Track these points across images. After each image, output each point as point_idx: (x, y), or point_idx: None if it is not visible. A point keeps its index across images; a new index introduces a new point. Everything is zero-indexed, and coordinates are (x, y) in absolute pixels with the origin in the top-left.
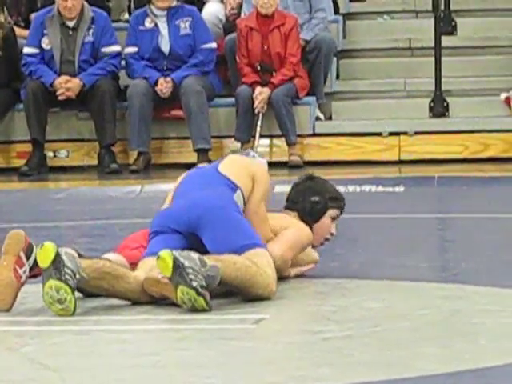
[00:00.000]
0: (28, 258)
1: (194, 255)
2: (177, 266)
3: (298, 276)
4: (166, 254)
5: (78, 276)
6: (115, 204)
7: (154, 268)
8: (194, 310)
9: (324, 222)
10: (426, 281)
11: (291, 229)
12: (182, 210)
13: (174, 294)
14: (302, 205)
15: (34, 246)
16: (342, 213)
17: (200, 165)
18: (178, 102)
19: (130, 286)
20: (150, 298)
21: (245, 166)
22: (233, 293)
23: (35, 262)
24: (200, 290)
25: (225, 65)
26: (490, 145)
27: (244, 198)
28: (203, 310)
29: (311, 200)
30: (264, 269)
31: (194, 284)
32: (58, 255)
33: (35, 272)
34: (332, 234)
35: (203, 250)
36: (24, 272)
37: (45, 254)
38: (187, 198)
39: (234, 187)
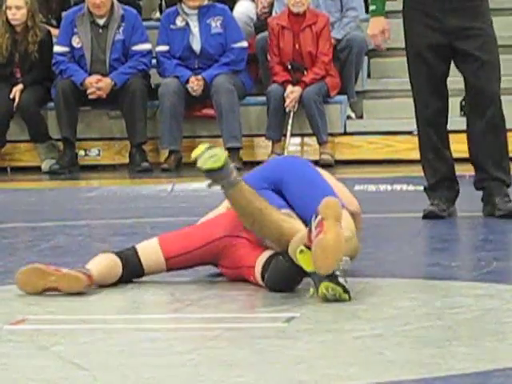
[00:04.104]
0: None
1: None
2: None
3: None
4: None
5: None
6: (146, 202)
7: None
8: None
9: None
10: (458, 280)
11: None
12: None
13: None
14: None
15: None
16: None
17: None
18: (209, 100)
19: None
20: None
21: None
22: (264, 291)
23: None
24: (346, 286)
25: (256, 63)
26: None
27: None
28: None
29: None
30: (352, 232)
31: (341, 280)
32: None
33: None
34: None
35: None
36: None
37: (307, 260)
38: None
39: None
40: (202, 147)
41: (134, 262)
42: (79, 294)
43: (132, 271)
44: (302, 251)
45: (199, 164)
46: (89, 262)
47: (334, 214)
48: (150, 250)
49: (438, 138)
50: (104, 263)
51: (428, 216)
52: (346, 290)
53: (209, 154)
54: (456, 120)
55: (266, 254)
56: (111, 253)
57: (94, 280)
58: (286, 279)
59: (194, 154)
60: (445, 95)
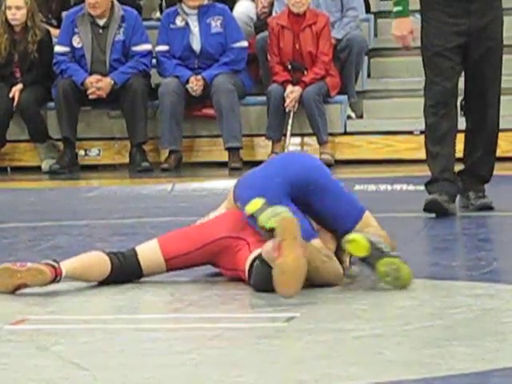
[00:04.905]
0: None
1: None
2: (370, 243)
3: None
4: (356, 236)
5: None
6: (146, 202)
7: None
8: (396, 283)
9: None
10: (458, 279)
11: None
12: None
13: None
14: None
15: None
16: None
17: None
18: (209, 100)
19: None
20: None
21: None
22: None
23: None
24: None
25: (256, 63)
26: None
27: None
28: (404, 283)
29: None
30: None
31: (394, 254)
32: (372, 243)
33: None
34: None
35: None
36: None
37: (358, 246)
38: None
39: None
40: (258, 202)
41: (133, 263)
42: (79, 291)
43: (131, 272)
44: (349, 241)
45: (261, 221)
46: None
47: (291, 234)
48: (149, 252)
49: (449, 130)
50: (85, 259)
51: (430, 206)
52: (403, 261)
53: (271, 211)
54: None
55: (252, 256)
56: (102, 252)
57: (66, 273)
58: (266, 283)
59: (249, 210)
60: (457, 93)
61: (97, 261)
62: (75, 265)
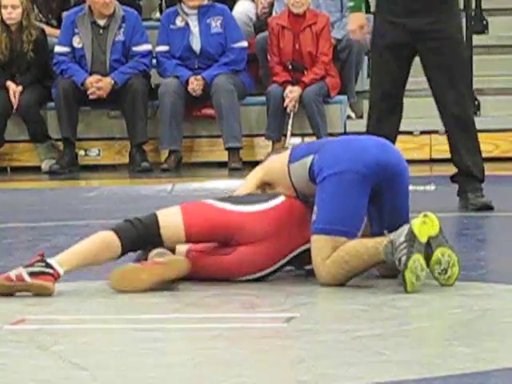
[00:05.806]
0: None
1: None
2: (440, 228)
3: None
4: (431, 214)
5: None
6: (146, 202)
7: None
8: (440, 276)
9: None
10: (458, 280)
11: None
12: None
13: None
14: None
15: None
16: None
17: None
18: (209, 100)
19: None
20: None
21: None
22: (264, 291)
23: None
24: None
25: (256, 63)
26: None
27: None
28: (446, 280)
29: None
30: None
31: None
32: (441, 228)
33: None
34: None
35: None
36: None
37: (433, 223)
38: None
39: None
40: (436, 226)
41: (155, 235)
42: (79, 291)
43: (150, 241)
44: (425, 215)
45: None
46: (75, 245)
47: (168, 269)
48: (171, 226)
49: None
50: (90, 248)
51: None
52: (458, 262)
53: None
54: None
55: None
56: (110, 230)
57: (66, 271)
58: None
59: (430, 232)
60: (401, 95)
61: (102, 246)
62: (74, 256)
